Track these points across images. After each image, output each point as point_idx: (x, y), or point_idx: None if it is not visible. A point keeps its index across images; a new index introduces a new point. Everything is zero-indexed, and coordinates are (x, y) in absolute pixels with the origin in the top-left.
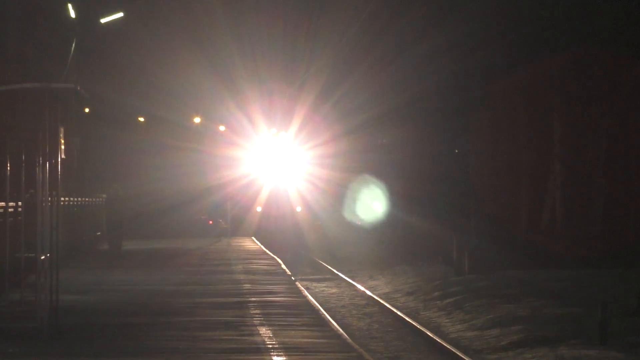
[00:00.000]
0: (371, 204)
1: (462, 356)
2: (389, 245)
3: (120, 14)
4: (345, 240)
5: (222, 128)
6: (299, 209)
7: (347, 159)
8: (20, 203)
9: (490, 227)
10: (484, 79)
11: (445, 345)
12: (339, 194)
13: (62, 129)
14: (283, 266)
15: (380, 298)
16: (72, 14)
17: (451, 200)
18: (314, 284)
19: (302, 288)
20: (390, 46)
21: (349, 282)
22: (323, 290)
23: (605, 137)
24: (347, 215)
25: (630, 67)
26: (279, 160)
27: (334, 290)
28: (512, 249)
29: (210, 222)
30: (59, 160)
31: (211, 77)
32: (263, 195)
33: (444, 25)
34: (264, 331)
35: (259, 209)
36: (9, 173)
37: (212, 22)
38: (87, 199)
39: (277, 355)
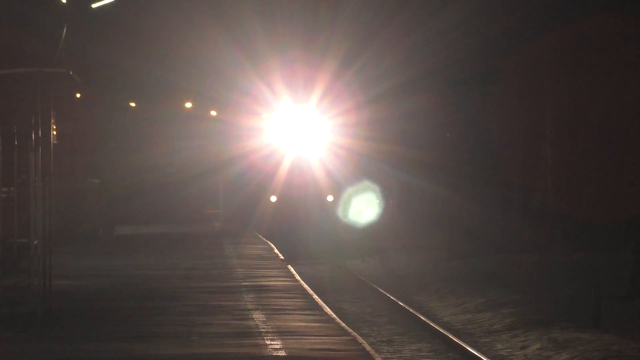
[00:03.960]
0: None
1: (455, 339)
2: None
3: None
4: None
5: (213, 113)
6: (330, 198)
7: (369, 128)
8: (12, 188)
9: (511, 194)
10: (506, 48)
11: (438, 328)
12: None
13: (53, 114)
14: None
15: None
16: None
17: (472, 169)
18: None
19: None
20: (413, 13)
21: None
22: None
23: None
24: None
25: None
26: (301, 133)
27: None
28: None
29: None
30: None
31: (232, 47)
32: (281, 177)
33: None
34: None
35: (273, 198)
36: (1, 158)
37: None
38: (79, 184)
39: None
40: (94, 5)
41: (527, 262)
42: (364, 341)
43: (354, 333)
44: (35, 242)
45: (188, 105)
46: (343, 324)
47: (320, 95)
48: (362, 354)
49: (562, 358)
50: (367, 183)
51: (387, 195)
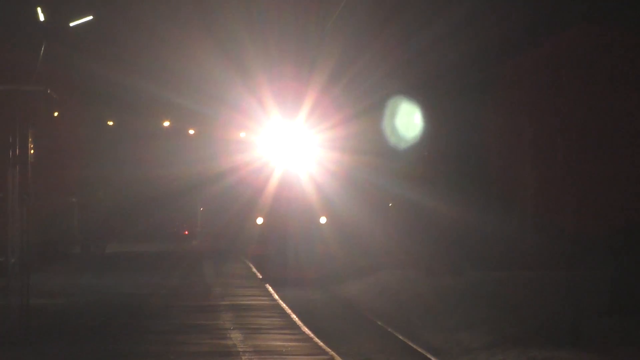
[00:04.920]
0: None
1: (434, 359)
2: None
3: (89, 17)
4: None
5: (191, 132)
6: (323, 219)
7: (358, 141)
8: None
9: (497, 205)
10: (491, 60)
11: (417, 348)
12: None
13: (31, 132)
14: None
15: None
16: (41, 16)
17: (460, 180)
18: None
19: None
20: (401, 26)
21: None
22: None
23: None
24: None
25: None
26: (290, 147)
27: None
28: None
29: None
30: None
31: (221, 62)
32: (269, 196)
33: (457, 5)
34: None
35: (259, 220)
36: None
37: (222, 5)
38: (57, 202)
39: None
40: (72, 24)
41: (508, 278)
42: None
43: None
44: (13, 260)
45: (166, 123)
46: None
47: (309, 110)
48: None
49: None
50: None
51: (377, 208)
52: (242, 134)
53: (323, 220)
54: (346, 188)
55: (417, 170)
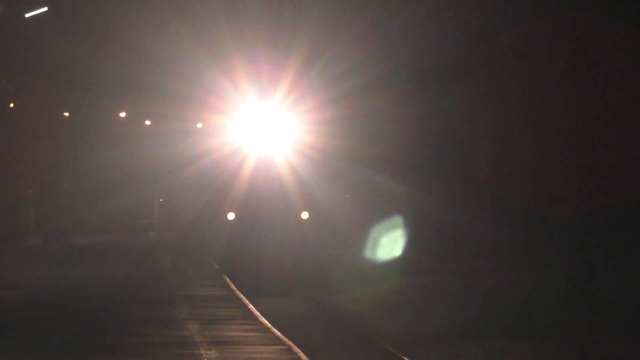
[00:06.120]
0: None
1: (391, 349)
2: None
3: (44, 8)
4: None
5: (147, 122)
6: (305, 215)
7: (335, 126)
8: None
9: (476, 193)
10: (471, 44)
11: (372, 337)
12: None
13: None
14: None
15: None
16: None
17: (438, 166)
18: None
19: None
20: (378, 10)
21: None
22: None
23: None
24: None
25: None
26: (266, 131)
27: None
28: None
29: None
30: None
31: (196, 44)
32: (243, 184)
33: None
34: None
35: (231, 215)
36: None
37: None
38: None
39: None
40: (27, 15)
41: (466, 270)
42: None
43: None
44: None
45: (122, 114)
46: None
47: (285, 93)
48: None
49: None
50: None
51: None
52: (199, 125)
53: (305, 215)
54: (327, 177)
55: (386, 155)
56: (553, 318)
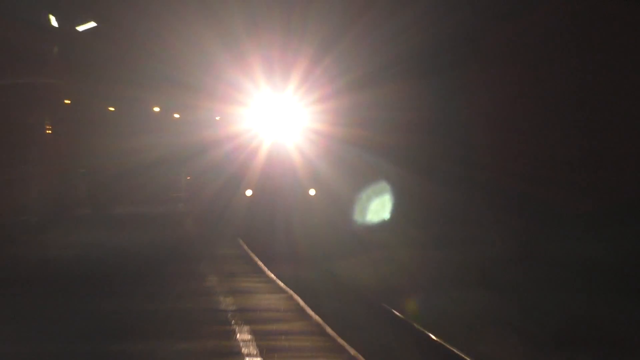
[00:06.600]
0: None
1: (372, 297)
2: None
3: (94, 24)
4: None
5: (176, 116)
6: (312, 191)
7: (336, 116)
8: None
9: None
10: (473, 35)
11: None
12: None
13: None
14: None
15: None
16: (54, 22)
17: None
18: None
19: None
20: (384, 5)
21: None
22: None
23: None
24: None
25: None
26: (279, 120)
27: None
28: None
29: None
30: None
31: (220, 46)
32: (258, 167)
33: None
34: None
35: (248, 192)
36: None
37: None
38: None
39: None
40: (79, 29)
41: (431, 234)
42: None
43: None
44: (35, 219)
45: (156, 109)
46: None
47: (295, 87)
48: None
49: (459, 311)
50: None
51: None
52: (217, 118)
53: (312, 192)
54: (332, 161)
55: (390, 140)
56: (504, 273)
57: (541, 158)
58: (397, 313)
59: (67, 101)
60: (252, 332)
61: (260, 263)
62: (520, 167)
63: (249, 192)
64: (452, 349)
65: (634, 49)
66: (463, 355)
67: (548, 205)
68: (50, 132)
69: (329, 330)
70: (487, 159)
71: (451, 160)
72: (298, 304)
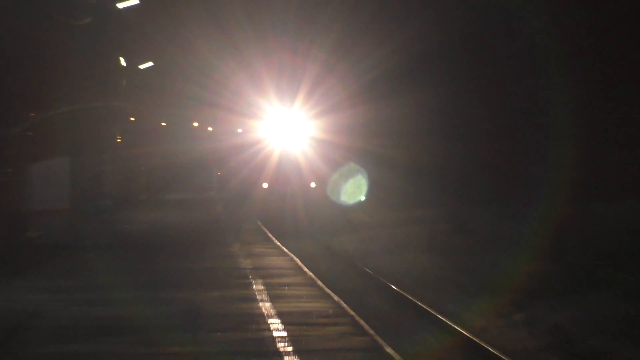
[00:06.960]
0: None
1: (350, 259)
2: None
3: (150, 63)
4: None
5: (210, 129)
6: (313, 184)
7: (332, 126)
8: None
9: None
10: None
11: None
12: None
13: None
14: None
15: None
16: (123, 62)
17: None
18: None
19: None
20: (391, 16)
21: None
22: None
23: None
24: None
25: None
26: (288, 131)
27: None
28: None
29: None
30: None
31: (243, 73)
32: (272, 167)
33: None
34: None
35: (265, 185)
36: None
37: None
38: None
39: None
40: (141, 66)
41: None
42: None
43: None
44: (108, 203)
45: (195, 124)
46: None
47: (300, 104)
48: None
49: (416, 270)
50: (353, 166)
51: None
52: (239, 130)
53: (313, 185)
54: (326, 161)
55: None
56: (446, 242)
57: (474, 162)
58: (368, 270)
59: (132, 118)
60: (264, 284)
61: (271, 235)
62: (461, 169)
63: (265, 185)
64: (405, 294)
65: None
66: (410, 297)
67: (482, 193)
68: (120, 140)
69: (319, 282)
70: (433, 158)
71: (405, 157)
72: (297, 264)
